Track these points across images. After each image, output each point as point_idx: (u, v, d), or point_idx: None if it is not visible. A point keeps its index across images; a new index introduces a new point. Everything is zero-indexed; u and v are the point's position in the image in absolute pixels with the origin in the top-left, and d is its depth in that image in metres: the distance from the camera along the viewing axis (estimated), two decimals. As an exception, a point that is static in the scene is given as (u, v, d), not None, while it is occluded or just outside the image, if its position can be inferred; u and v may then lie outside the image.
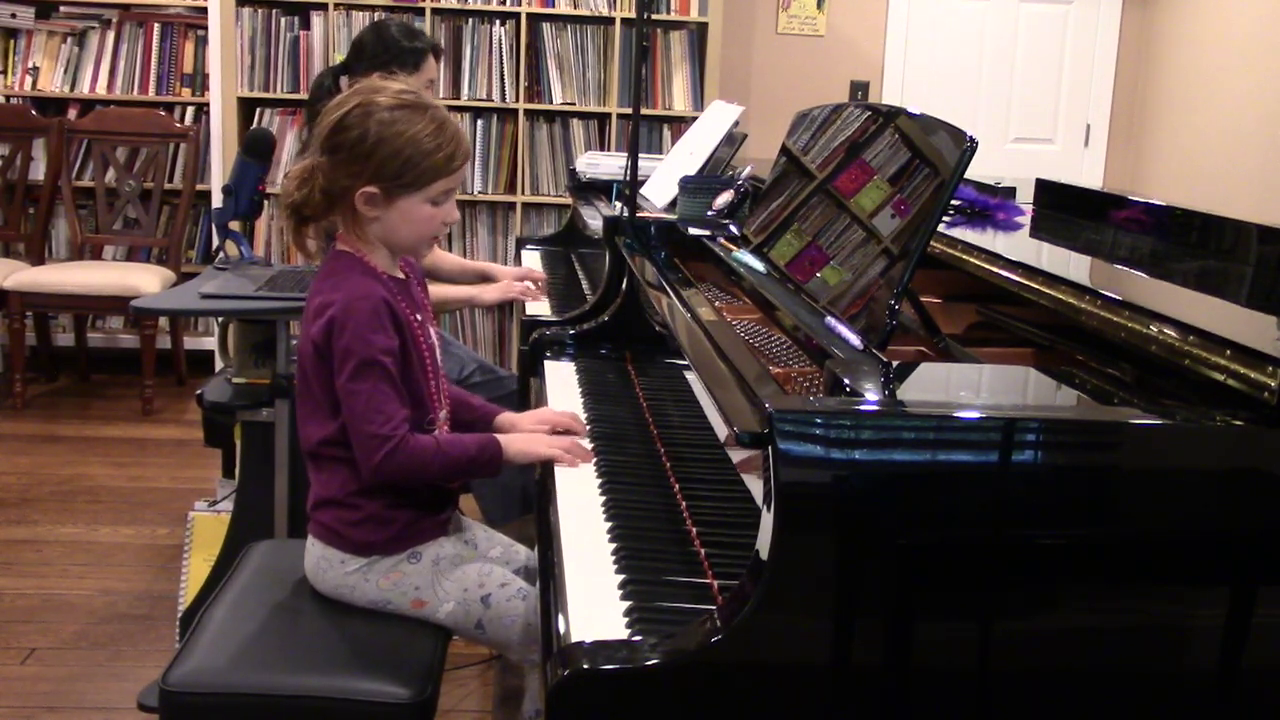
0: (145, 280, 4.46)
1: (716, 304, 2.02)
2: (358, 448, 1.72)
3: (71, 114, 4.87)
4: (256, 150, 2.96)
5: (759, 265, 1.95)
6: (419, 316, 1.83)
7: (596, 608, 1.34)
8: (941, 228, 1.92)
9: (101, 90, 4.88)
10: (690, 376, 1.85)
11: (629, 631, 1.29)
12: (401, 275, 1.85)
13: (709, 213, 2.60)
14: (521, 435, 1.86)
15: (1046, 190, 2.40)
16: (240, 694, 1.64)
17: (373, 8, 4.68)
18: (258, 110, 4.81)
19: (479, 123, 4.83)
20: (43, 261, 4.85)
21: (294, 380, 2.56)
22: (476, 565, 1.83)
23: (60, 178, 4.81)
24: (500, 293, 2.96)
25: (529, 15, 4.76)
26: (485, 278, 3.12)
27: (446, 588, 1.79)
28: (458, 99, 4.78)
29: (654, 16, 4.72)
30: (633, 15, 4.27)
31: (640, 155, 2.54)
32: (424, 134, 1.73)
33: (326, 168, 1.74)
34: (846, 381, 1.27)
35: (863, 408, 1.19)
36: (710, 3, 4.80)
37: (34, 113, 4.83)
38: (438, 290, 3.02)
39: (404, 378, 1.75)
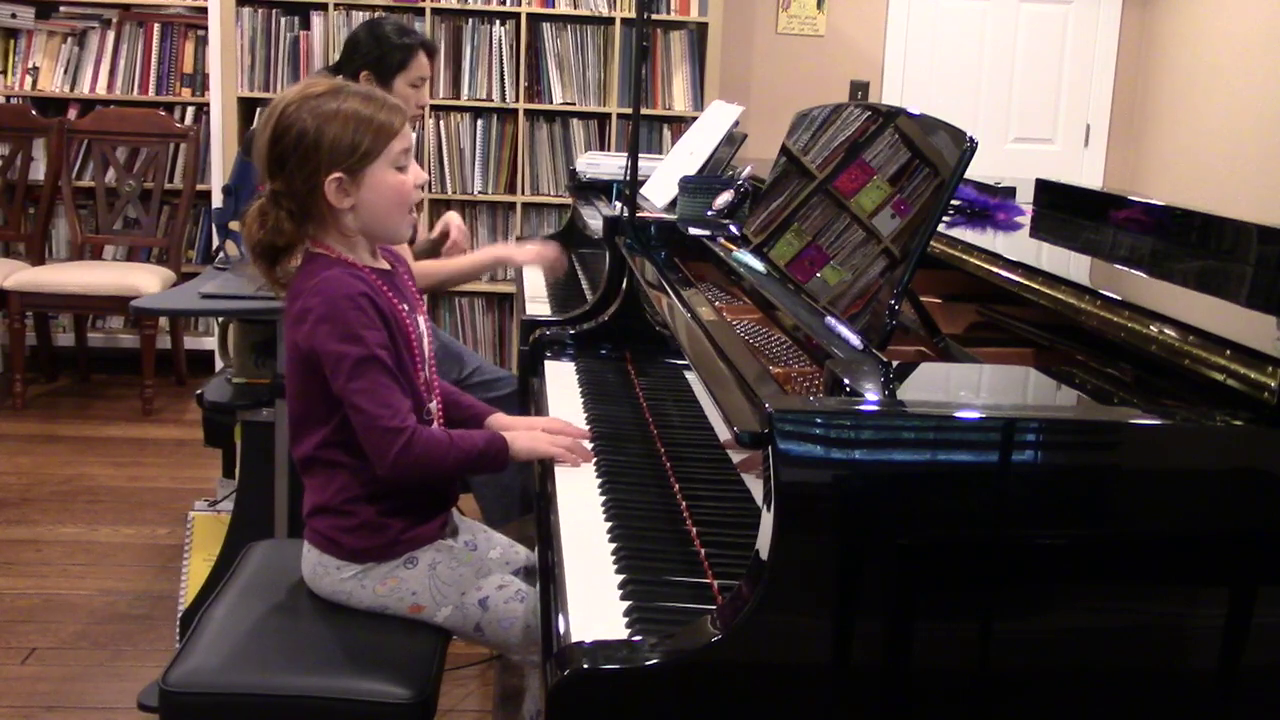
0: (145, 280, 4.46)
1: (716, 304, 2.02)
2: (370, 447, 1.70)
3: (71, 114, 4.87)
4: (256, 150, 2.96)
5: (759, 265, 1.95)
6: (405, 306, 1.80)
7: (596, 608, 1.34)
8: (941, 228, 1.92)
9: (101, 90, 4.88)
10: (690, 376, 1.85)
11: (629, 631, 1.29)
12: (385, 265, 1.83)
13: (709, 213, 2.60)
14: (525, 433, 1.85)
15: (1046, 190, 2.40)
16: (240, 694, 1.64)
17: (373, 7, 4.68)
18: (258, 110, 4.80)
19: (479, 123, 4.83)
20: (43, 261, 4.86)
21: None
22: (473, 568, 1.83)
23: (60, 178, 4.81)
24: (535, 255, 2.95)
25: (529, 15, 4.76)
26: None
27: (443, 592, 1.79)
28: (458, 99, 4.79)
29: (654, 16, 4.72)
30: (633, 15, 4.27)
31: (640, 155, 2.54)
32: (356, 105, 1.72)
33: (283, 186, 1.71)
34: (846, 381, 1.27)
35: (863, 408, 1.19)
36: (710, 3, 4.80)
37: (34, 113, 4.83)
38: (467, 258, 3.00)
39: (395, 365, 1.73)
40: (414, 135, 1.83)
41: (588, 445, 1.87)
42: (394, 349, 1.73)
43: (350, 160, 1.70)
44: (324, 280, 1.71)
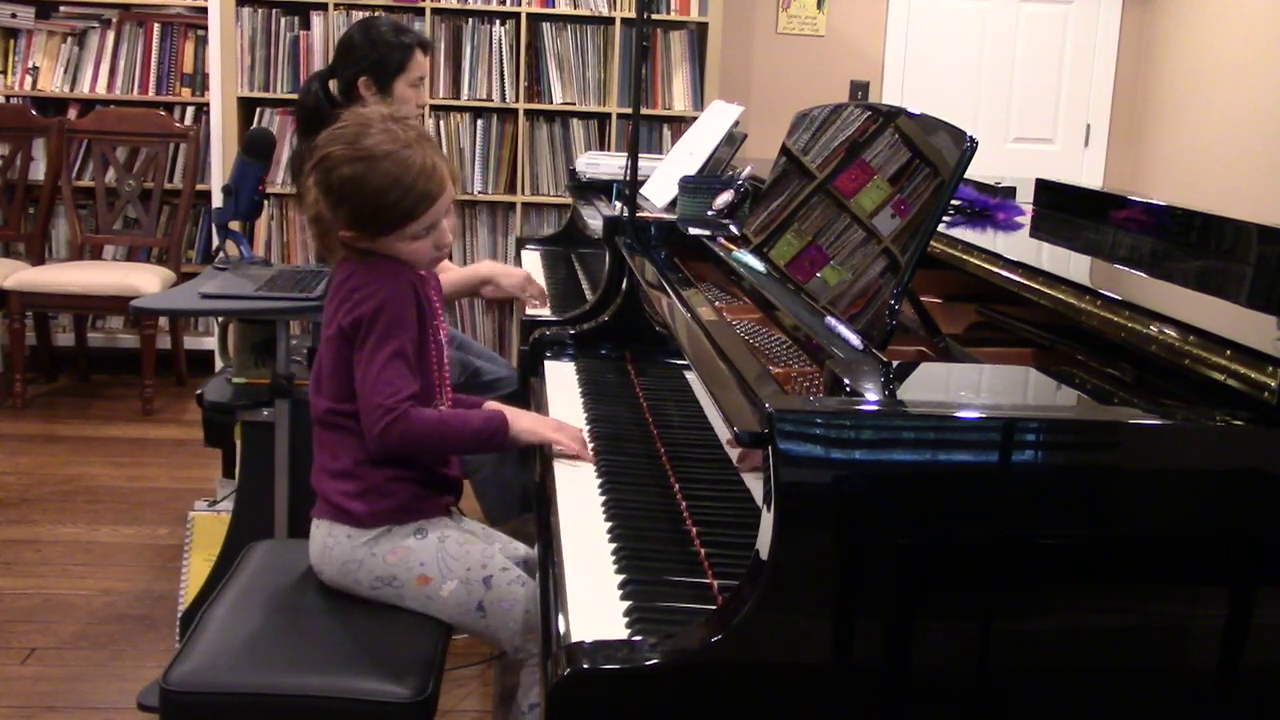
0: (145, 280, 4.46)
1: (716, 304, 2.02)
2: (363, 415, 1.77)
3: (71, 114, 4.87)
4: (256, 150, 2.96)
5: (759, 265, 1.95)
6: (436, 314, 1.89)
7: (596, 608, 1.34)
8: (941, 228, 1.92)
9: (101, 90, 4.88)
10: (690, 376, 1.85)
11: (629, 631, 1.29)
12: (421, 273, 1.90)
13: (709, 213, 2.60)
14: (529, 414, 1.91)
15: (1046, 190, 2.40)
16: (240, 694, 1.64)
17: (373, 7, 4.68)
18: (258, 110, 4.81)
19: (479, 123, 4.83)
20: (43, 261, 4.85)
21: (294, 380, 2.57)
22: (480, 547, 1.86)
23: (60, 178, 4.81)
24: (521, 281, 2.94)
25: (529, 15, 4.76)
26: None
27: (450, 565, 1.82)
28: (458, 99, 4.79)
29: (654, 16, 4.72)
30: (633, 15, 4.27)
31: (640, 155, 2.54)
32: (386, 184, 1.76)
33: (316, 197, 1.81)
34: (846, 381, 1.27)
35: (863, 408, 1.19)
36: (710, 3, 4.80)
37: (34, 113, 4.83)
38: (461, 272, 3.00)
39: (417, 366, 1.81)
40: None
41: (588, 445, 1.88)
42: (420, 350, 1.82)
43: (366, 228, 1.80)
44: (378, 266, 1.81)
